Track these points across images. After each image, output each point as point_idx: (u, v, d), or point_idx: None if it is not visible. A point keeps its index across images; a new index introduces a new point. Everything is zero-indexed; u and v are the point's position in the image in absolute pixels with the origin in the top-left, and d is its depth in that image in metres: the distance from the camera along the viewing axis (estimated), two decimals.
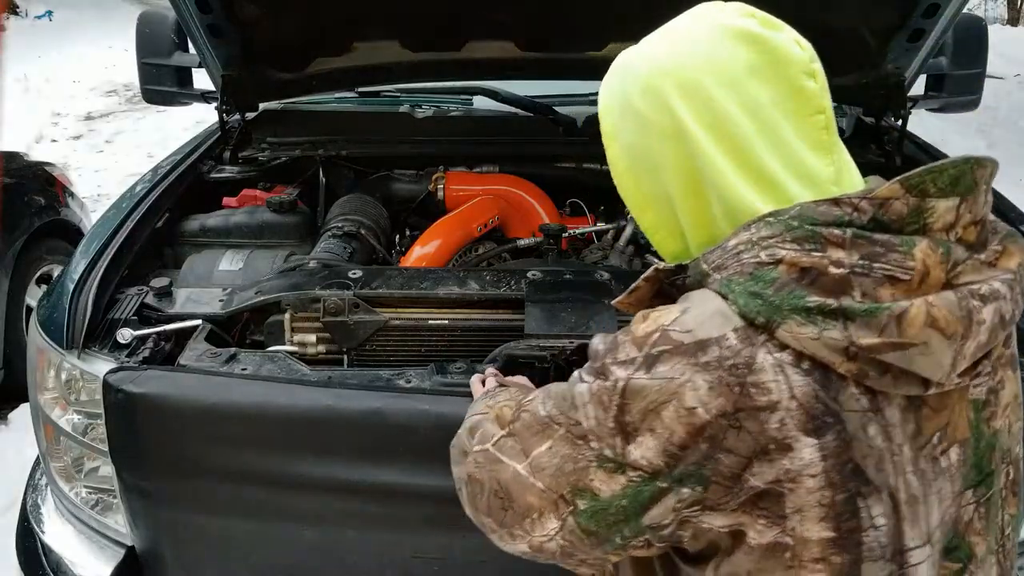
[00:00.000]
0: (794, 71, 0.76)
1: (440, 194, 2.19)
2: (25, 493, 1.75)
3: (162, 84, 2.32)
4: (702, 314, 0.71)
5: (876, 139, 2.29)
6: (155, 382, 1.34)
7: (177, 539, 1.45)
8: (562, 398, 0.78)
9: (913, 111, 2.16)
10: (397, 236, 2.14)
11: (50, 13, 12.20)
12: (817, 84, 0.77)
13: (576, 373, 0.79)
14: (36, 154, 3.92)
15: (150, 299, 1.58)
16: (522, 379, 1.22)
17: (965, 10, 1.98)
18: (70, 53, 9.83)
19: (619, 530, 0.75)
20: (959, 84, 2.25)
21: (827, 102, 0.78)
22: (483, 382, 1.21)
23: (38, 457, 1.71)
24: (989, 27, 2.36)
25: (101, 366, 1.41)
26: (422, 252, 1.96)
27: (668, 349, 0.71)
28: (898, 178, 0.70)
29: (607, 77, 0.86)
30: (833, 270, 0.68)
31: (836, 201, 0.70)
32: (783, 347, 0.68)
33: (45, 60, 9.19)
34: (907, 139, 2.25)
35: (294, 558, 1.42)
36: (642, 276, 0.82)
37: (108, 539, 1.52)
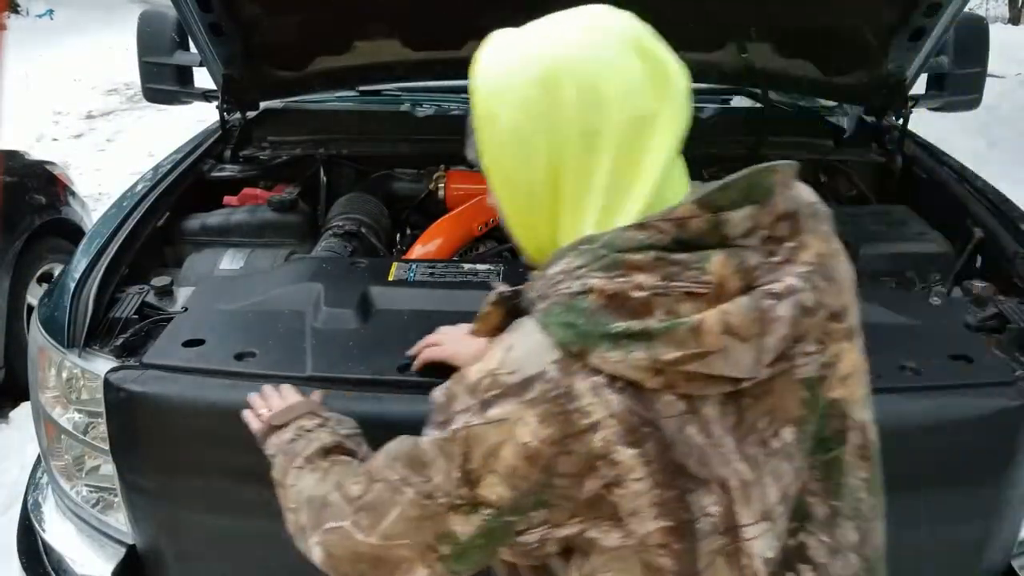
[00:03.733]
0: (677, 92, 0.81)
1: (441, 193, 2.18)
2: (26, 492, 1.75)
3: (163, 83, 2.32)
4: (525, 351, 0.76)
5: (877, 138, 2.29)
6: (156, 381, 1.34)
7: (178, 538, 1.45)
8: (410, 458, 0.83)
9: (914, 110, 2.16)
10: (398, 235, 2.14)
11: (51, 12, 12.22)
12: (687, 112, 0.82)
13: (424, 433, 0.83)
14: (37, 153, 3.90)
15: (151, 298, 1.58)
16: (288, 391, 1.19)
17: (966, 9, 1.97)
18: (71, 52, 9.84)
19: (485, 559, 0.83)
20: (960, 83, 2.25)
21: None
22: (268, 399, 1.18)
23: (39, 456, 1.71)
24: (990, 26, 2.36)
25: (102, 365, 1.40)
26: (423, 251, 1.96)
27: (498, 393, 0.76)
28: (694, 198, 0.75)
29: (490, 56, 0.85)
30: (636, 294, 0.72)
31: (642, 225, 0.75)
32: (597, 371, 0.73)
33: (46, 59, 9.20)
34: (908, 138, 2.25)
35: (294, 557, 1.42)
36: (488, 301, 0.86)
37: (109, 538, 1.52)
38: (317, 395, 1.22)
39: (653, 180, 0.79)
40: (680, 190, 0.82)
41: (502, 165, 0.84)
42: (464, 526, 0.79)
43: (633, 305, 0.72)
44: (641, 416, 0.73)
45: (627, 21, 0.82)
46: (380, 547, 0.84)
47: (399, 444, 0.87)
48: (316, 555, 0.92)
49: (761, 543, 0.78)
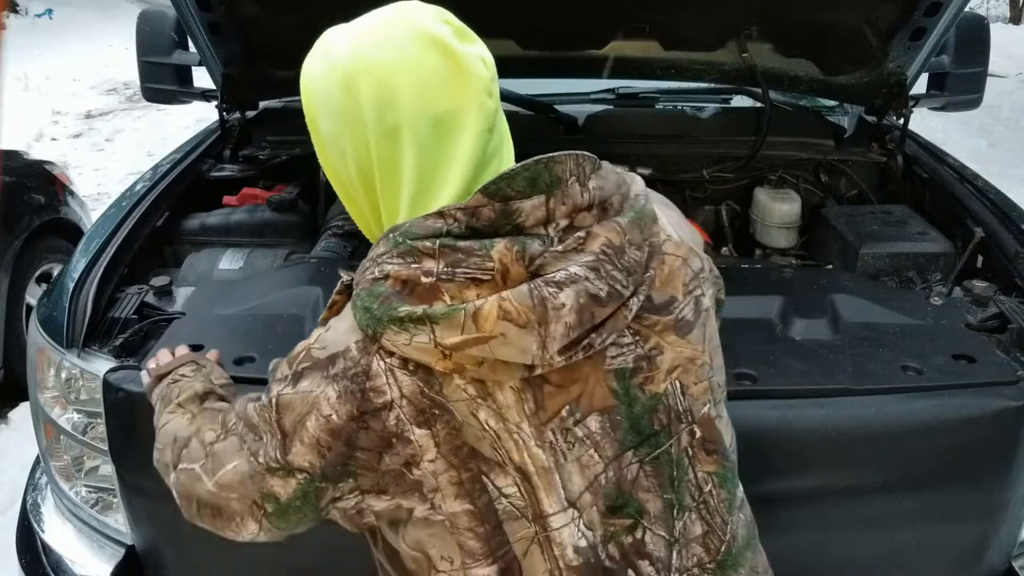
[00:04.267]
0: (476, 87, 0.81)
1: None
2: (25, 492, 1.74)
3: (162, 82, 2.32)
4: (337, 331, 0.82)
5: (878, 138, 2.29)
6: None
7: (177, 538, 1.45)
8: (246, 418, 0.88)
9: (915, 110, 2.16)
10: None
11: (50, 11, 12.21)
12: (493, 103, 0.83)
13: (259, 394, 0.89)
14: (36, 152, 3.92)
15: (150, 298, 1.58)
16: (181, 349, 1.25)
17: (967, 9, 1.97)
18: (70, 51, 9.84)
19: (307, 520, 0.88)
20: (961, 83, 2.24)
21: (498, 120, 0.85)
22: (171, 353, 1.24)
23: (38, 456, 1.70)
24: (991, 26, 2.36)
25: (101, 365, 1.40)
26: None
27: (308, 366, 0.81)
28: (480, 187, 0.77)
29: (308, 61, 0.88)
30: (424, 279, 0.75)
31: (440, 214, 0.77)
32: (391, 353, 0.77)
33: (45, 58, 9.20)
34: (909, 138, 2.24)
35: (294, 556, 1.42)
36: (335, 290, 0.89)
37: (108, 538, 1.51)
38: (212, 353, 1.27)
39: (461, 173, 0.81)
40: None
41: (326, 163, 0.89)
42: (283, 488, 0.84)
43: (421, 291, 0.75)
44: (431, 398, 0.77)
45: (429, 17, 0.83)
46: (216, 496, 0.90)
47: (243, 402, 0.91)
48: (174, 493, 0.97)
49: (568, 532, 0.81)
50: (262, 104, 2.39)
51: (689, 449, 0.86)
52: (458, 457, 0.78)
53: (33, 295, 3.09)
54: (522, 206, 0.77)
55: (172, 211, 1.95)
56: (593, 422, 0.81)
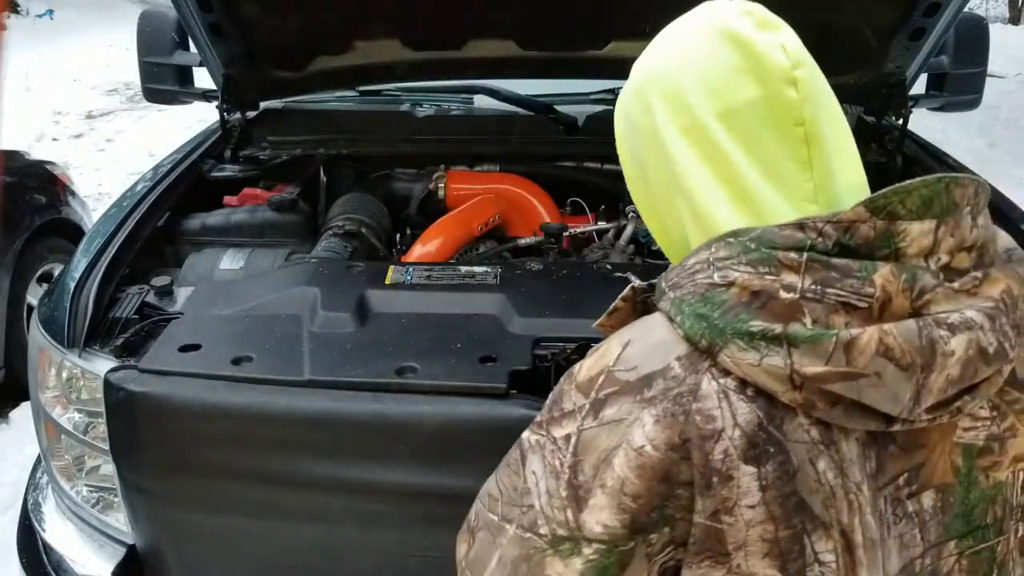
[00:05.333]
0: (774, 78, 0.71)
1: (441, 193, 2.19)
2: (26, 492, 1.75)
3: (163, 83, 2.32)
4: (646, 346, 0.69)
5: (877, 138, 2.29)
6: (156, 381, 1.34)
7: (178, 537, 1.45)
8: (512, 487, 0.72)
9: (914, 110, 2.16)
10: (398, 235, 2.15)
11: (51, 12, 12.21)
12: (798, 94, 0.71)
13: (523, 439, 0.73)
14: (37, 153, 3.92)
15: (151, 298, 1.58)
16: None
17: (966, 9, 1.98)
18: (71, 52, 9.85)
19: None
20: (960, 83, 2.25)
21: (811, 113, 0.72)
22: None
23: (39, 456, 1.71)
24: (990, 26, 2.36)
25: (102, 365, 1.41)
26: (423, 251, 1.97)
27: (614, 391, 0.68)
28: (863, 199, 0.65)
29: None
30: (784, 294, 0.63)
31: (800, 225, 0.65)
32: (727, 373, 0.65)
33: (46, 59, 9.21)
34: (908, 138, 2.25)
35: (294, 557, 1.42)
36: (620, 296, 0.80)
37: (109, 537, 1.52)
38: None
39: (773, 170, 0.71)
40: (849, 184, 0.73)
41: (629, 178, 0.83)
42: (565, 574, 0.68)
43: (777, 307, 0.63)
44: (768, 433, 0.64)
45: (731, 12, 0.76)
46: None
47: (499, 470, 0.76)
48: None
49: None
50: (263, 104, 2.39)
51: (1015, 551, 0.75)
52: (783, 508, 0.65)
53: (34, 295, 3.09)
54: (909, 228, 0.64)
55: (173, 211, 1.95)
56: (927, 499, 0.69)
